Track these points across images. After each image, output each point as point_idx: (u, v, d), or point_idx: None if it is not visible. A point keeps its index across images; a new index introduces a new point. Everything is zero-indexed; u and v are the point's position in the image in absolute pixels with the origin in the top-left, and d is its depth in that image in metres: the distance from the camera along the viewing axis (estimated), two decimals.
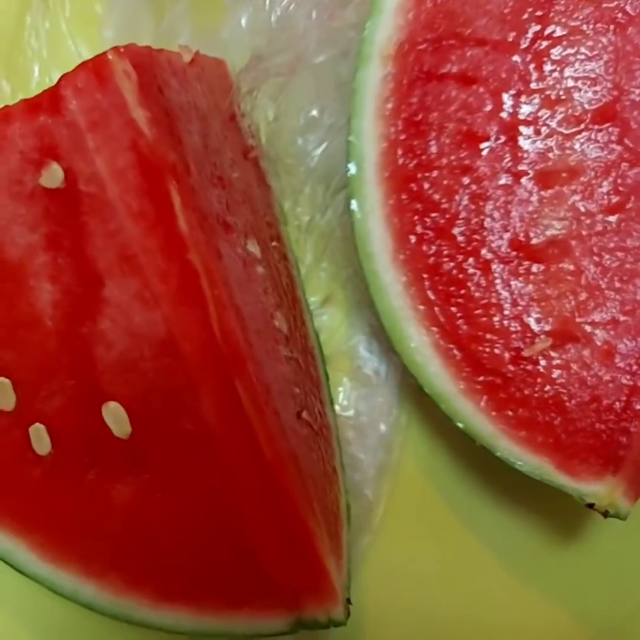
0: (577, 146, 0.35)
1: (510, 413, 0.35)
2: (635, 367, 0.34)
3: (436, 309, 0.36)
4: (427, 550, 0.39)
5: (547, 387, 0.35)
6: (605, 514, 0.34)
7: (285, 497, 0.30)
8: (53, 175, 0.30)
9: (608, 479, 0.34)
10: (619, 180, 0.35)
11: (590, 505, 0.34)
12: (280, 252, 0.39)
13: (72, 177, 0.30)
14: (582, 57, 0.35)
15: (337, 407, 0.39)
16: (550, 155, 0.36)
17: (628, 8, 0.35)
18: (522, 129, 0.36)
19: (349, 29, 0.39)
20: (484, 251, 0.36)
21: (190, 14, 0.40)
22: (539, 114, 0.36)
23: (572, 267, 0.35)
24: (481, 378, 0.35)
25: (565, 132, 0.36)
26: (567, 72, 0.35)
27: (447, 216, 0.36)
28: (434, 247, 0.36)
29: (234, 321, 0.30)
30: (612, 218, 0.35)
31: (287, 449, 0.31)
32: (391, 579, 0.39)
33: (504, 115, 0.36)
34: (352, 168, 0.37)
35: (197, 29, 0.39)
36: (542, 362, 0.35)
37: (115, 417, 0.30)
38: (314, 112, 0.39)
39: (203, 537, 0.30)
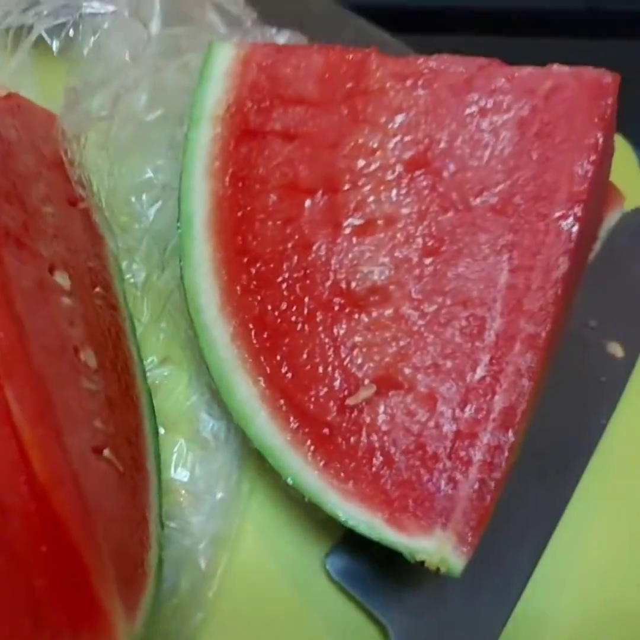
0: (392, 194, 0.35)
1: (337, 465, 0.32)
2: (457, 412, 0.32)
3: (262, 358, 0.34)
4: (264, 627, 0.35)
5: (373, 436, 0.32)
6: (437, 571, 0.31)
7: (56, 522, 0.26)
8: None
9: (437, 533, 0.31)
10: (432, 226, 0.34)
11: (422, 563, 0.31)
12: (107, 301, 0.37)
13: None
14: (395, 109, 0.35)
15: (171, 471, 0.36)
16: (368, 203, 0.35)
17: (433, 64, 0.36)
18: (341, 179, 0.35)
19: (181, 93, 0.39)
20: (307, 300, 0.34)
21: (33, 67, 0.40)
22: (356, 165, 0.35)
23: (392, 313, 0.33)
24: (307, 429, 0.33)
25: (381, 181, 0.35)
26: (381, 124, 0.35)
27: (271, 266, 0.35)
28: (259, 297, 0.34)
29: (8, 323, 0.28)
30: (428, 262, 0.34)
31: (68, 473, 0.28)
32: None
33: (323, 167, 0.35)
34: (182, 225, 0.36)
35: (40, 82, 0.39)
36: (367, 411, 0.33)
37: None
38: (148, 172, 0.39)
39: None
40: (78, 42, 0.37)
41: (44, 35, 0.37)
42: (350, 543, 0.37)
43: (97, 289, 0.37)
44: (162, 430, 0.38)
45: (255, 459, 0.38)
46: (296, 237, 0.35)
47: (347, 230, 0.35)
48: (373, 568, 0.37)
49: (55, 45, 0.37)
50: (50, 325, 0.32)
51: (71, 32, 0.37)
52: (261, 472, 0.38)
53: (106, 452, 0.32)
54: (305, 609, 0.36)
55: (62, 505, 0.26)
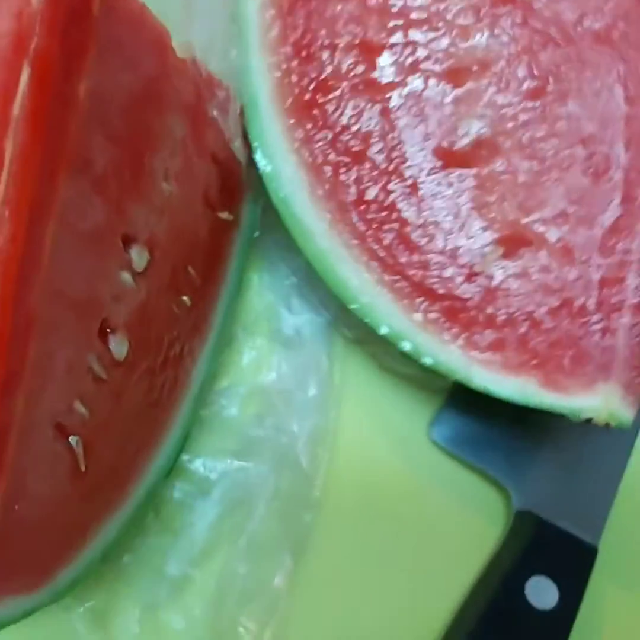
0: (481, 36, 0.30)
1: (477, 337, 0.29)
2: (598, 259, 0.29)
3: (370, 241, 0.30)
4: (378, 515, 0.33)
5: (511, 300, 0.29)
6: (607, 426, 0.29)
7: None
8: None
9: (600, 387, 0.28)
10: (532, 66, 0.30)
11: (589, 421, 0.29)
12: (190, 316, 0.31)
13: None
14: None
15: (256, 374, 0.33)
16: (454, 50, 0.30)
17: None
18: (418, 29, 0.30)
19: None
20: (407, 167, 0.30)
21: None
22: (433, 9, 0.30)
23: (505, 166, 0.30)
24: (437, 306, 0.29)
25: (465, 23, 0.30)
26: None
27: (360, 138, 0.30)
28: (353, 174, 0.30)
29: (19, 239, 0.22)
30: (535, 105, 0.30)
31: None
32: (337, 556, 0.32)
33: (396, 18, 0.31)
34: (248, 110, 0.31)
35: None
36: (499, 275, 0.29)
37: None
38: None
39: None
40: None
41: None
42: (453, 408, 0.34)
43: (184, 298, 0.30)
44: (241, 333, 0.34)
45: (343, 349, 0.34)
46: (380, 101, 0.30)
47: (437, 84, 0.30)
48: (481, 430, 0.34)
49: None
50: (83, 281, 0.26)
51: None
52: (350, 361, 0.34)
53: (72, 440, 0.26)
54: (418, 485, 0.33)
55: None
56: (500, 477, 0.34)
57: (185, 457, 0.32)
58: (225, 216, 0.32)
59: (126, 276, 0.28)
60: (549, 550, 0.31)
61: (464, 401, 0.33)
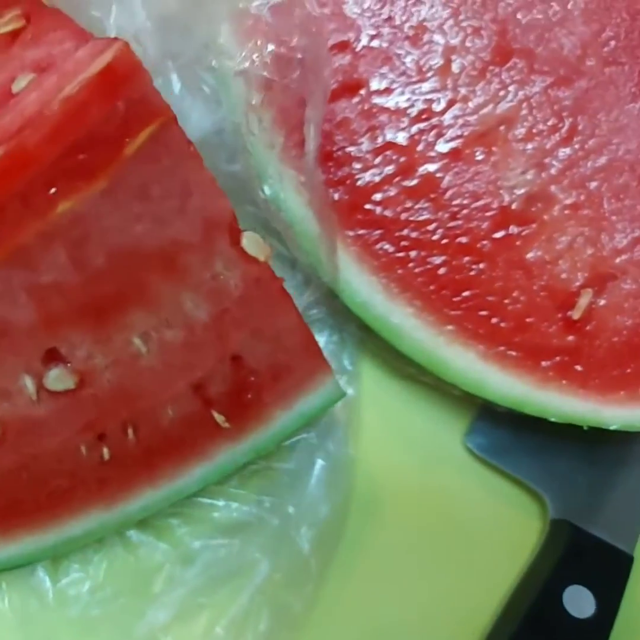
0: (496, 94, 0.31)
1: (598, 381, 0.29)
2: None
3: (467, 324, 0.29)
4: (408, 534, 0.32)
5: (615, 338, 0.29)
6: None
7: None
8: None
9: None
10: (555, 107, 0.31)
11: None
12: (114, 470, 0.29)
13: None
14: (451, 11, 0.31)
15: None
16: (474, 117, 0.30)
17: None
18: (429, 104, 0.31)
19: None
20: (469, 240, 0.30)
21: None
22: (439, 85, 0.30)
23: (565, 211, 0.30)
24: (548, 363, 0.29)
25: (475, 88, 0.30)
26: (445, 32, 0.31)
27: (412, 225, 0.30)
28: (419, 262, 0.30)
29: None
30: (573, 145, 0.30)
31: None
32: (369, 566, 0.31)
33: (410, 106, 0.30)
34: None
35: None
36: (595, 315, 0.30)
37: None
38: None
39: None
40: None
41: None
42: (488, 417, 0.34)
43: (104, 450, 0.28)
44: None
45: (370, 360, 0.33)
46: (422, 186, 0.30)
47: (470, 154, 0.31)
48: (516, 439, 0.34)
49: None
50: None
51: None
52: (376, 370, 0.33)
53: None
54: (454, 494, 0.33)
55: None
56: (536, 485, 0.33)
57: (173, 520, 0.31)
58: (221, 421, 0.29)
59: (28, 381, 0.27)
60: (585, 558, 0.31)
61: (499, 410, 0.33)
